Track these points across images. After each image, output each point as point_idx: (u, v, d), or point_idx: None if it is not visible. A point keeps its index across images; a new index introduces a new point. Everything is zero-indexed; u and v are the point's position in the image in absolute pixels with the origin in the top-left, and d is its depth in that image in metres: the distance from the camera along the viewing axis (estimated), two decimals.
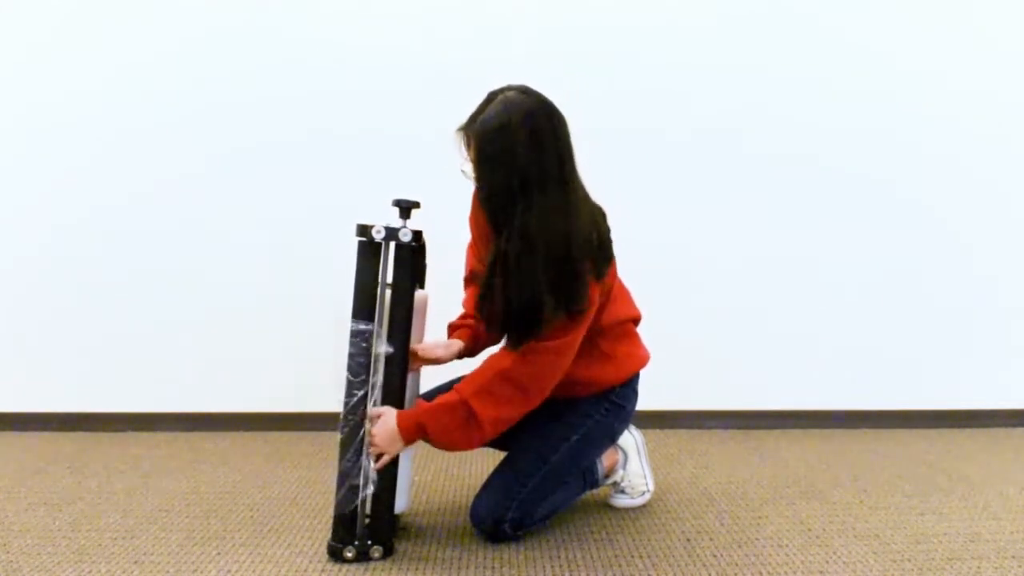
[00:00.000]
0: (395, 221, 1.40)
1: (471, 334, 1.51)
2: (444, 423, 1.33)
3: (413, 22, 2.22)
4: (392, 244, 1.36)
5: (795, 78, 2.32)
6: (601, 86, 2.27)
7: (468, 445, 1.37)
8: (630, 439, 1.68)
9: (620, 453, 1.65)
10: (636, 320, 1.58)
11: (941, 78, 2.36)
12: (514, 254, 1.28)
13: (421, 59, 2.23)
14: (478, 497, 1.46)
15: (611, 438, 1.56)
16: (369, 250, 1.35)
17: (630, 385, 1.56)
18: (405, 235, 1.35)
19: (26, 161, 2.20)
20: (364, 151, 2.25)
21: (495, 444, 1.64)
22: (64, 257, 2.23)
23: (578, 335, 1.36)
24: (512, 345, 1.35)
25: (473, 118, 1.32)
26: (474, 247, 1.60)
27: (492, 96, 1.33)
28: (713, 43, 2.29)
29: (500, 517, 1.41)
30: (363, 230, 1.34)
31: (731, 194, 2.33)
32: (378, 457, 1.34)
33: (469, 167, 1.35)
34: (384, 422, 1.33)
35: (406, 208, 1.41)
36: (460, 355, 1.48)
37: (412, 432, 1.33)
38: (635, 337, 1.58)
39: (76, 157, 2.21)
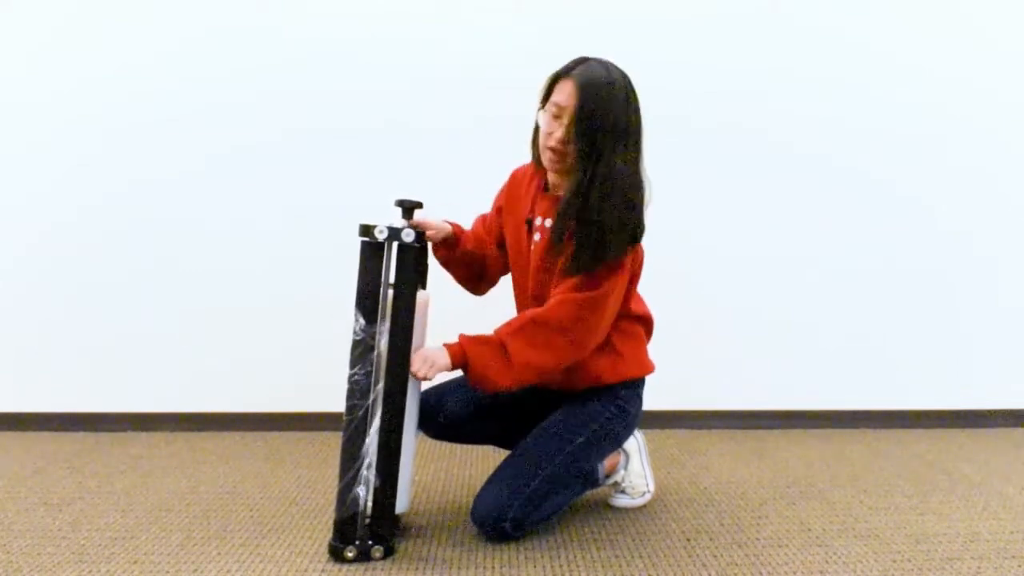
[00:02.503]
0: (398, 221, 1.40)
1: (461, 230, 1.58)
2: (481, 353, 1.37)
3: (415, 21, 2.22)
4: (395, 244, 1.37)
5: (796, 78, 2.32)
6: None
7: (502, 381, 1.38)
8: (631, 440, 1.68)
9: (621, 454, 1.66)
10: (647, 321, 1.59)
11: (942, 76, 2.37)
12: (596, 193, 1.34)
13: (422, 58, 2.23)
14: (479, 496, 1.46)
15: (614, 443, 1.57)
16: (372, 250, 1.35)
17: (635, 390, 1.57)
18: (408, 235, 1.35)
19: (26, 161, 2.20)
20: (366, 151, 2.25)
21: (498, 443, 1.65)
22: (64, 257, 2.23)
23: (613, 294, 1.40)
24: (573, 273, 1.39)
25: (568, 69, 1.38)
26: (489, 219, 1.66)
27: (582, 59, 1.40)
28: (712, 41, 2.29)
29: (501, 516, 1.41)
30: (366, 230, 1.34)
31: (731, 193, 2.33)
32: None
33: (543, 116, 1.40)
34: (425, 349, 1.39)
35: (409, 208, 1.41)
36: (445, 240, 1.53)
37: (457, 356, 1.38)
38: (643, 343, 1.59)
39: (76, 156, 2.21)
